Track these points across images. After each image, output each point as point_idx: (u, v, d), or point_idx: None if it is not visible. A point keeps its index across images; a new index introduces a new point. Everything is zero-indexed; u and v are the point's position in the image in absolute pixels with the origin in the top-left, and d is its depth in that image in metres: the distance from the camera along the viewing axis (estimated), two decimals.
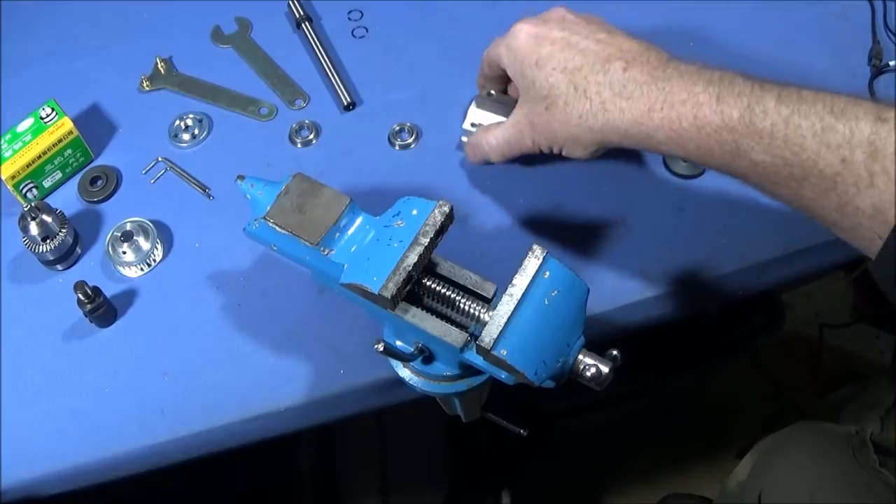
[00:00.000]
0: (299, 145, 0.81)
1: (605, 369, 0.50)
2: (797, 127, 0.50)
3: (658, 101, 0.56)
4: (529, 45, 0.64)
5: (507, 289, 0.50)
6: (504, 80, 0.74)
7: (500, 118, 0.75)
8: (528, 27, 0.64)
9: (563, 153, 0.65)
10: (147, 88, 0.87)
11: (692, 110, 0.55)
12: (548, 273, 0.51)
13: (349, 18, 0.90)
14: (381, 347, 0.52)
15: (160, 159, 0.82)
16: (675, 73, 0.57)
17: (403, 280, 0.51)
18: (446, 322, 0.53)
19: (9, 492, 0.66)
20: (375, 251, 0.53)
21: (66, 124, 0.78)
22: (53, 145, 0.78)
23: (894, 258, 0.48)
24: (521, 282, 0.50)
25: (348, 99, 0.83)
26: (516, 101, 0.76)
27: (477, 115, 0.76)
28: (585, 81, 0.60)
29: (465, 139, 0.78)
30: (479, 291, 0.54)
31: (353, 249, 0.55)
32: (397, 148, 0.80)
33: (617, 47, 0.61)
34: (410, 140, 0.80)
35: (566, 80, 0.61)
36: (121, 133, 0.84)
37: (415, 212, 0.54)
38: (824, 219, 0.53)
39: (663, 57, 0.60)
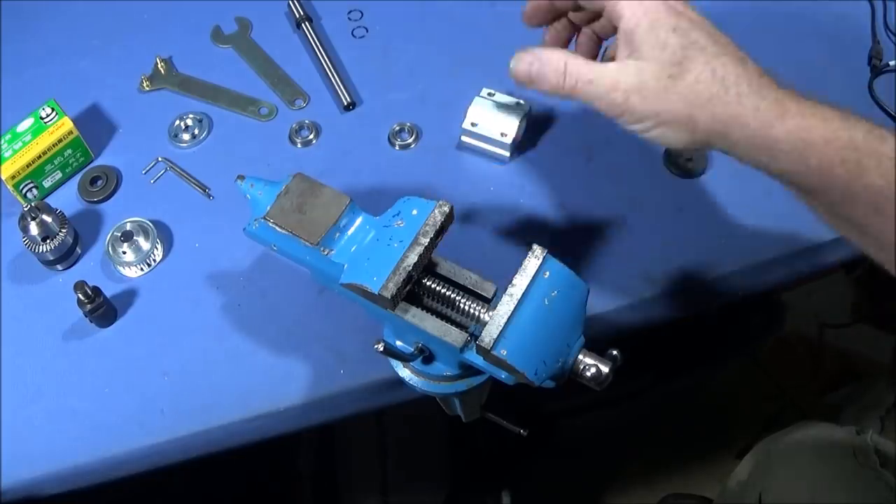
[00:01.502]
0: (299, 145, 0.81)
1: (605, 369, 0.50)
2: (874, 151, 0.51)
3: (791, 108, 0.54)
4: (666, 10, 0.56)
5: (507, 289, 0.50)
6: (550, 18, 0.63)
7: (503, 117, 0.75)
8: None
9: (652, 134, 0.56)
10: (147, 88, 0.87)
11: (822, 123, 0.53)
12: (548, 273, 0.51)
13: (349, 18, 0.90)
14: (381, 347, 0.52)
15: (160, 159, 0.82)
16: (796, 92, 0.56)
17: (403, 280, 0.51)
18: (446, 322, 0.53)
19: (9, 492, 0.66)
20: (375, 251, 0.53)
21: (66, 124, 0.78)
22: (53, 145, 0.78)
23: None
24: (521, 282, 0.50)
25: (348, 99, 0.82)
26: (518, 104, 0.76)
27: (478, 114, 0.76)
28: (724, 69, 0.55)
29: (465, 139, 0.78)
30: (479, 291, 0.54)
31: (353, 249, 0.55)
32: (397, 148, 0.80)
33: (745, 52, 0.57)
34: (410, 140, 0.80)
35: (704, 60, 0.55)
36: (121, 133, 0.84)
37: (415, 212, 0.54)
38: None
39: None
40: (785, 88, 0.55)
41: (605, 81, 0.55)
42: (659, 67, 0.55)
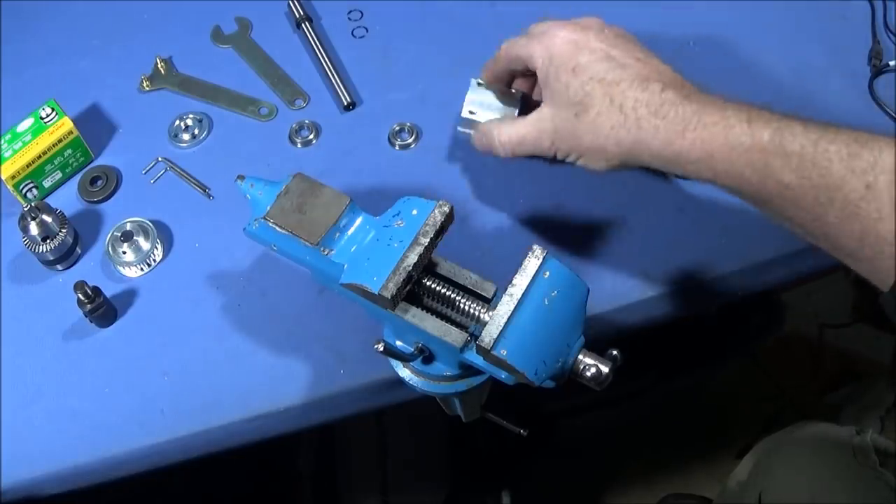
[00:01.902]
0: (299, 145, 0.81)
1: (605, 369, 0.50)
2: (825, 151, 0.51)
3: (692, 121, 0.56)
4: (568, 49, 0.62)
5: (507, 289, 0.50)
6: (511, 79, 0.73)
7: (499, 105, 0.74)
8: (566, 32, 0.63)
9: (579, 163, 0.64)
10: (147, 88, 0.87)
11: (724, 131, 0.55)
12: (548, 273, 0.51)
13: (349, 18, 0.90)
14: (381, 347, 0.52)
15: (160, 159, 0.82)
16: (705, 99, 0.58)
17: (403, 280, 0.51)
18: (446, 322, 0.53)
19: (9, 492, 0.66)
20: (375, 251, 0.53)
21: (66, 124, 0.78)
22: (53, 145, 0.78)
23: None
24: (521, 282, 0.50)
25: (348, 99, 0.82)
26: (512, 91, 0.75)
27: (476, 103, 0.74)
28: (623, 96, 0.59)
29: (462, 129, 0.77)
30: (479, 291, 0.54)
31: (353, 249, 0.55)
32: (397, 148, 0.80)
33: (654, 69, 0.61)
34: (410, 140, 0.80)
35: (602, 92, 0.60)
36: (121, 133, 0.84)
37: (415, 212, 0.54)
38: (844, 247, 0.53)
39: (693, 86, 0.61)
40: (696, 97, 0.58)
41: (531, 136, 0.65)
42: (566, 110, 0.62)
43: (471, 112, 0.75)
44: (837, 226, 0.52)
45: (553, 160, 0.66)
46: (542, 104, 0.65)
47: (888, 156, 0.50)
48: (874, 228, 0.50)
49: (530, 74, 0.68)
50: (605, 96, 0.60)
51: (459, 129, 0.78)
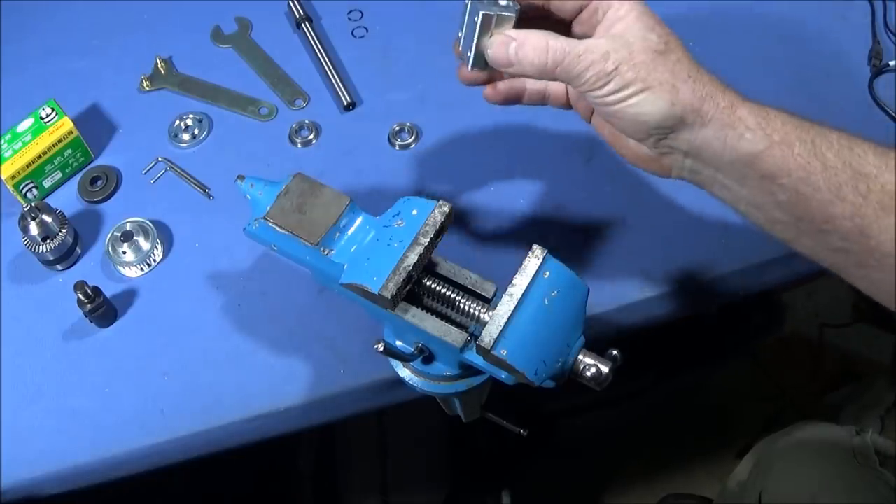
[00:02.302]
0: (299, 145, 0.81)
1: (605, 369, 0.50)
2: (859, 144, 0.52)
3: (748, 104, 0.55)
4: (648, 10, 0.57)
5: (507, 289, 0.50)
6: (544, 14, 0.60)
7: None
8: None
9: (632, 101, 0.55)
10: (147, 88, 0.87)
11: (779, 115, 0.55)
12: (548, 273, 0.51)
13: (349, 18, 0.90)
14: (381, 347, 0.52)
15: (160, 159, 0.82)
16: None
17: (403, 280, 0.51)
18: (446, 322, 0.53)
19: (9, 492, 0.66)
20: (375, 251, 0.53)
21: (66, 124, 0.78)
22: (53, 145, 0.78)
23: None
24: (521, 282, 0.50)
25: (348, 99, 0.82)
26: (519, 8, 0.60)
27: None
28: (691, 67, 0.56)
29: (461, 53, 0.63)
30: (479, 291, 0.54)
31: (353, 249, 0.55)
32: (397, 148, 0.80)
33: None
34: (410, 140, 0.80)
35: (682, 51, 0.56)
36: (121, 133, 0.84)
37: (415, 212, 0.54)
38: (879, 250, 0.52)
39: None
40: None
41: (597, 52, 0.55)
42: (647, 45, 0.55)
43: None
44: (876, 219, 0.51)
45: (603, 85, 0.55)
46: (605, 37, 0.56)
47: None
48: None
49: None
50: (684, 54, 0.56)
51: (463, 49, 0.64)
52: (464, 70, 0.61)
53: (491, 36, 0.57)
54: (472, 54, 0.58)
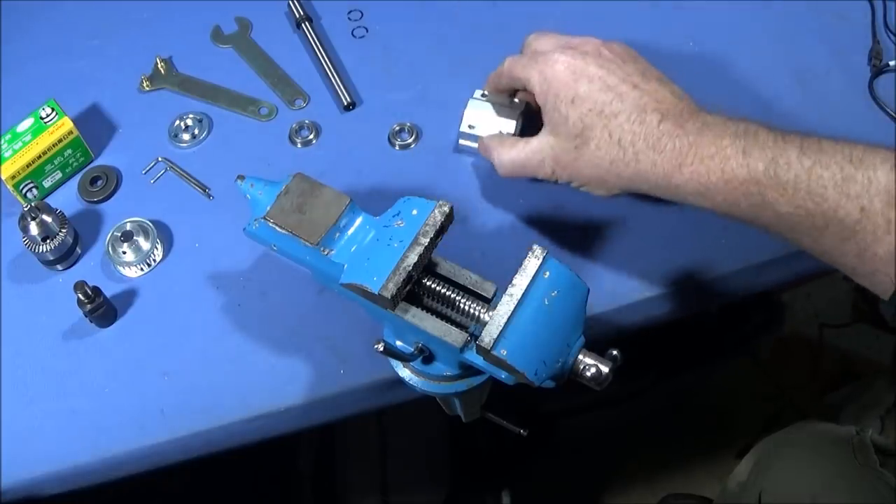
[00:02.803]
0: (299, 145, 0.81)
1: (605, 369, 0.50)
2: (819, 178, 0.52)
3: (689, 155, 0.57)
4: (567, 78, 0.62)
5: (507, 289, 0.50)
6: (512, 93, 0.74)
7: (500, 119, 0.75)
8: (566, 58, 0.63)
9: (582, 189, 0.66)
10: (147, 88, 0.87)
11: (720, 164, 0.56)
12: (548, 273, 0.51)
13: (349, 18, 0.90)
14: (381, 347, 0.52)
15: (160, 159, 0.82)
16: (703, 126, 0.58)
17: (403, 280, 0.51)
18: (446, 322, 0.53)
19: (9, 492, 0.66)
20: (375, 251, 0.53)
21: (66, 124, 0.78)
22: (53, 145, 0.78)
23: None
24: (521, 282, 0.50)
25: (348, 99, 0.83)
26: (513, 102, 0.76)
27: (474, 117, 0.76)
28: (621, 130, 0.60)
29: (463, 143, 0.78)
30: (479, 291, 0.54)
31: (353, 249, 0.55)
32: (397, 148, 0.80)
33: (653, 97, 0.61)
34: (410, 140, 0.80)
35: (602, 125, 0.61)
36: (121, 133, 0.84)
37: (415, 212, 0.54)
38: (844, 265, 0.54)
39: (693, 108, 0.61)
40: (692, 125, 0.58)
41: (532, 163, 0.66)
42: (566, 140, 0.63)
43: (470, 126, 0.76)
44: (835, 247, 0.53)
45: (555, 182, 0.67)
46: (543, 130, 0.66)
47: (882, 174, 0.51)
48: (871, 249, 0.51)
49: None
50: (605, 129, 0.61)
51: (461, 142, 0.78)
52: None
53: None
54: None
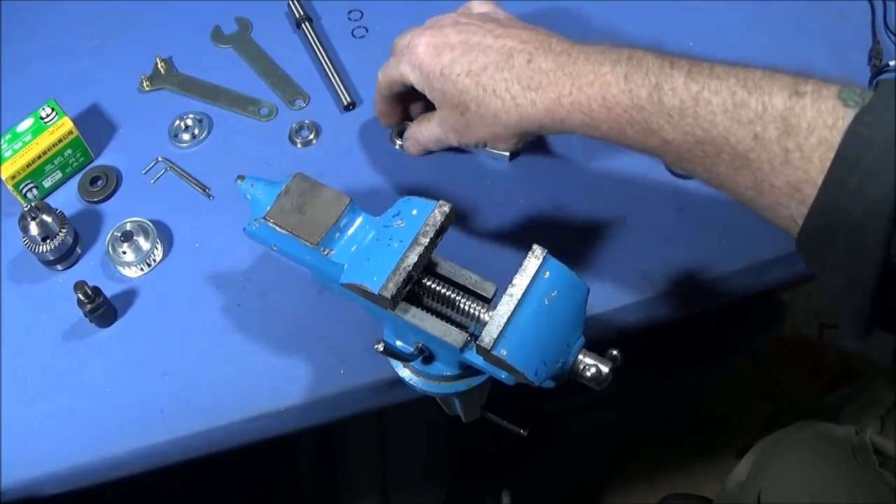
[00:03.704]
0: (299, 145, 0.81)
1: (605, 369, 0.50)
2: (707, 103, 0.50)
3: (566, 86, 0.56)
4: (430, 56, 0.64)
5: (507, 289, 0.50)
6: (404, 100, 0.74)
7: None
8: (425, 38, 0.65)
9: (488, 147, 0.70)
10: (147, 88, 0.87)
11: (600, 91, 0.55)
12: (548, 273, 0.51)
13: (349, 18, 0.90)
14: (381, 347, 0.52)
15: (160, 159, 0.82)
16: (580, 56, 0.57)
17: (403, 280, 0.51)
18: (446, 322, 0.53)
19: (9, 492, 0.66)
20: (375, 251, 0.53)
21: (66, 124, 0.78)
22: (53, 145, 0.78)
23: (815, 238, 0.48)
24: (521, 282, 0.50)
25: (348, 99, 0.83)
26: None
27: None
28: (493, 80, 0.60)
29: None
30: (479, 291, 0.54)
31: (353, 249, 0.55)
32: (397, 148, 0.80)
33: (517, 39, 0.61)
34: None
35: (474, 84, 0.61)
36: (121, 133, 0.84)
37: (415, 212, 0.54)
38: (741, 196, 0.52)
39: (565, 42, 0.60)
40: (567, 57, 0.57)
41: (442, 135, 0.69)
42: (450, 111, 0.65)
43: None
44: (729, 177, 0.51)
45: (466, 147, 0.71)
46: (437, 109, 0.68)
47: (779, 100, 0.48)
48: (768, 180, 0.49)
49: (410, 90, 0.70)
50: (478, 87, 0.61)
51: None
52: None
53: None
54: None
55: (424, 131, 0.72)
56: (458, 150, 0.79)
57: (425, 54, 0.64)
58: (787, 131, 0.47)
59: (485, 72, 0.60)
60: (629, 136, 0.55)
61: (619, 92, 0.54)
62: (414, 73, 0.66)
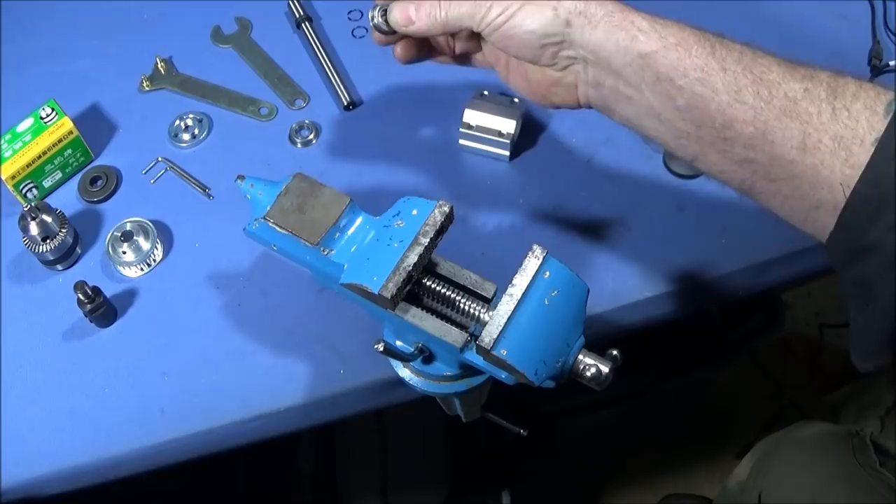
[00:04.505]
0: (299, 145, 0.81)
1: (605, 369, 0.50)
2: (764, 55, 0.53)
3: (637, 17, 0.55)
4: None
5: (507, 289, 0.50)
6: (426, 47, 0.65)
7: (500, 119, 0.75)
8: None
9: (513, 19, 0.56)
10: (147, 88, 0.87)
11: (672, 25, 0.56)
12: (548, 273, 0.51)
13: (349, 18, 0.90)
14: (381, 347, 0.52)
15: (160, 159, 0.82)
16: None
17: (403, 280, 0.51)
18: (446, 322, 0.53)
19: (9, 492, 0.66)
20: (375, 251, 0.53)
21: (66, 124, 0.78)
22: (53, 145, 0.78)
23: (862, 208, 0.48)
24: (521, 282, 0.50)
25: (348, 99, 0.83)
26: (513, 102, 0.76)
27: (474, 116, 0.76)
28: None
29: (462, 142, 0.78)
30: (479, 291, 0.54)
31: (353, 249, 0.55)
32: (374, 23, 0.76)
33: None
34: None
35: None
36: (121, 133, 0.84)
37: (415, 212, 0.54)
38: (784, 157, 0.51)
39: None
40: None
41: (469, 7, 0.57)
42: None
43: (469, 125, 0.76)
44: (777, 126, 0.51)
45: (469, 39, 0.62)
46: None
47: (824, 74, 0.52)
48: (815, 134, 0.49)
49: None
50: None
51: (461, 141, 0.78)
52: (375, 34, 0.64)
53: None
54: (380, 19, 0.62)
55: (454, 4, 0.58)
56: (447, 132, 0.79)
57: None
58: (833, 94, 0.50)
59: None
60: (694, 53, 0.54)
61: (690, 33, 0.55)
62: None
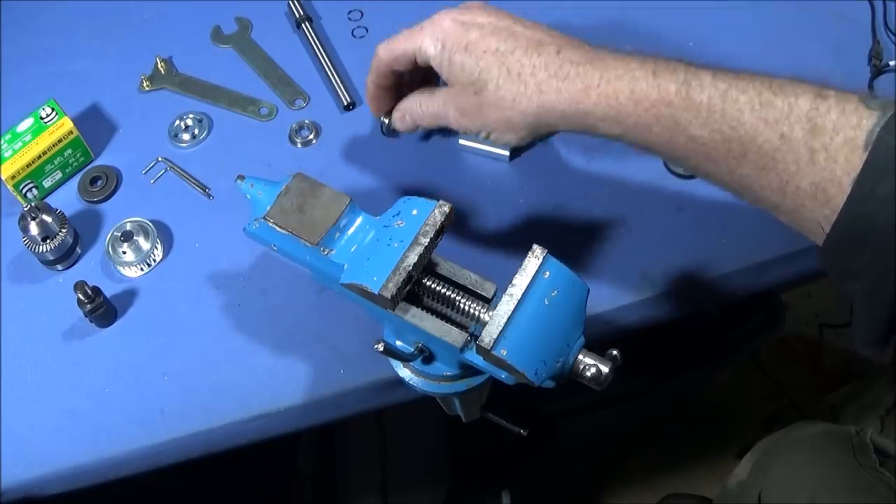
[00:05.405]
0: (299, 145, 0.81)
1: (605, 369, 0.50)
2: (735, 101, 0.50)
3: (594, 78, 0.56)
4: (457, 30, 0.61)
5: (507, 289, 0.50)
6: (399, 85, 0.70)
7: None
8: (451, 14, 0.62)
9: (493, 138, 0.63)
10: (147, 88, 0.87)
11: (629, 85, 0.54)
12: (548, 273, 0.51)
13: (349, 18, 0.90)
14: (381, 347, 0.52)
15: (160, 159, 0.82)
16: (608, 55, 0.57)
17: (403, 280, 0.51)
18: (446, 322, 0.53)
19: (9, 492, 0.66)
20: (375, 251, 0.53)
21: (66, 124, 0.78)
22: (53, 145, 0.78)
23: (840, 245, 0.48)
24: (521, 282, 0.50)
25: (348, 99, 0.83)
26: None
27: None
28: (519, 64, 0.58)
29: (463, 142, 0.78)
30: (479, 291, 0.54)
31: (353, 249, 0.55)
32: (383, 123, 0.79)
33: (545, 32, 0.60)
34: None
35: (498, 63, 0.59)
36: (121, 133, 0.84)
37: (415, 212, 0.54)
38: (765, 200, 0.52)
39: (592, 46, 0.60)
40: (596, 54, 0.57)
41: (436, 111, 0.65)
42: (465, 88, 0.61)
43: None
44: (754, 179, 0.51)
45: (464, 133, 0.67)
46: (446, 88, 0.64)
47: (804, 102, 0.48)
48: (793, 181, 0.49)
49: (410, 73, 0.68)
50: (502, 67, 0.59)
51: (461, 141, 0.78)
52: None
53: None
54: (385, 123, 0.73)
55: (424, 105, 0.67)
56: (447, 132, 0.79)
57: (452, 28, 0.61)
58: (812, 131, 0.48)
59: (512, 54, 0.58)
60: (654, 132, 0.54)
61: (647, 86, 0.53)
62: (435, 45, 0.62)
